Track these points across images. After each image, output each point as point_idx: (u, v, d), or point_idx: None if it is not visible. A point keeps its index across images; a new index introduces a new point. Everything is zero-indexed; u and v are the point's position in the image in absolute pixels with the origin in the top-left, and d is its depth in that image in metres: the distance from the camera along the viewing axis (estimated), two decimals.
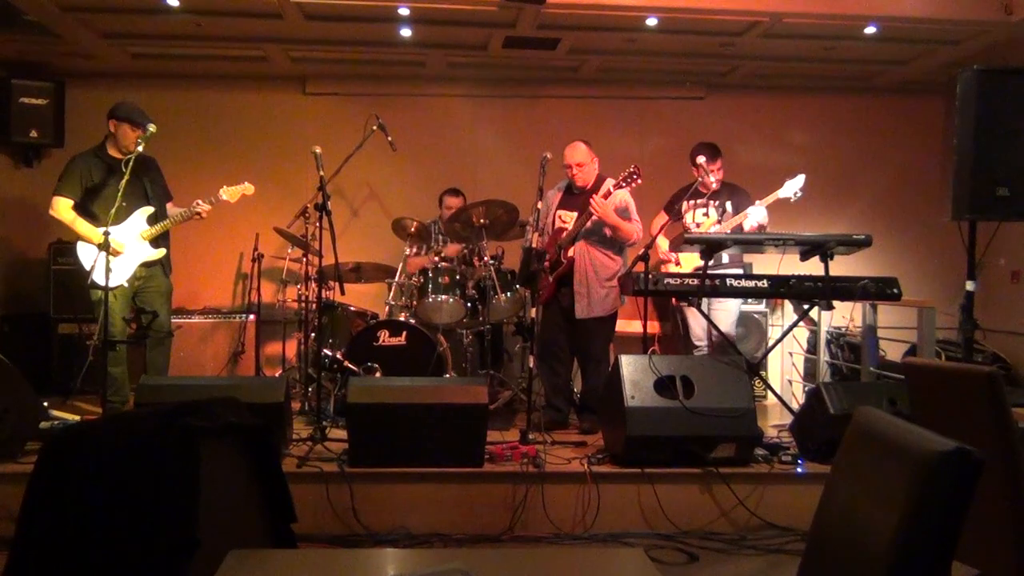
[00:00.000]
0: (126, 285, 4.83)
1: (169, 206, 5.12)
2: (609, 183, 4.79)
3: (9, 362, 4.08)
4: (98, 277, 4.53)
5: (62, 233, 6.14)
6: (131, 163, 4.44)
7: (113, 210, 4.40)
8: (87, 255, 4.77)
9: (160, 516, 1.82)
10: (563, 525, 3.91)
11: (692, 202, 5.39)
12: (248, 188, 5.08)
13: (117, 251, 4.68)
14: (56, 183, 4.87)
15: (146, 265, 4.89)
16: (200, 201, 4.93)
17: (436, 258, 5.50)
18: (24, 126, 6.28)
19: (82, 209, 4.84)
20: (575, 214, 4.97)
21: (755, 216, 5.10)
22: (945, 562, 1.39)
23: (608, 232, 4.88)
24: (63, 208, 4.80)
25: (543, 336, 4.95)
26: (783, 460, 4.18)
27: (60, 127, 6.40)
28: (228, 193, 5.01)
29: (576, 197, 5.04)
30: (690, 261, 5.33)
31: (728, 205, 5.31)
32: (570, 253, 4.93)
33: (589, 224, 4.87)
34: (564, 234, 4.98)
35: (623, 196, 4.89)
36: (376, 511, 3.86)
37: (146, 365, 4.93)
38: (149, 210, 4.90)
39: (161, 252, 4.92)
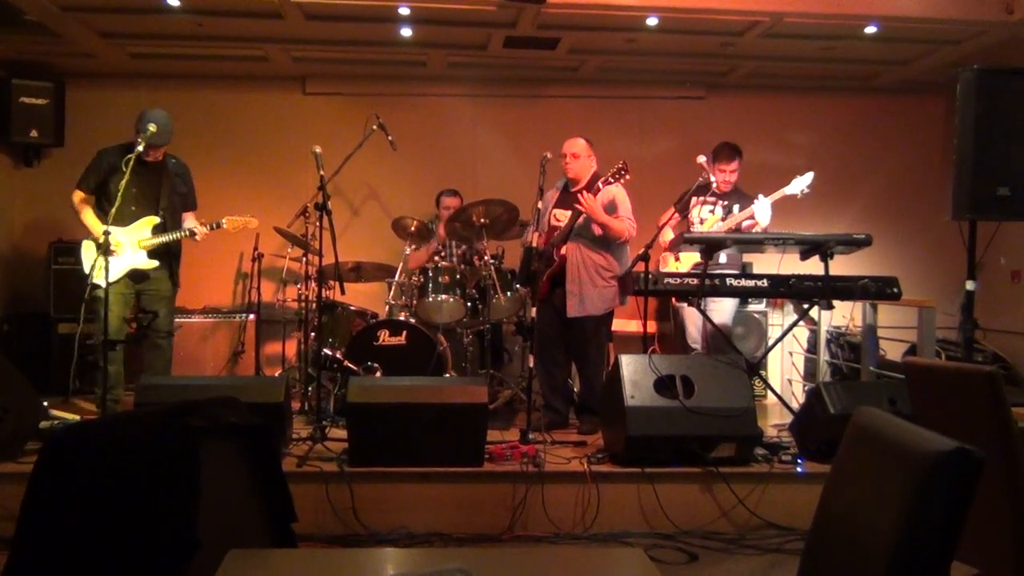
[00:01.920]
0: (128, 285, 4.86)
1: (190, 216, 5.12)
2: (599, 180, 4.79)
3: (9, 362, 4.08)
4: (87, 270, 4.70)
5: (62, 233, 6.17)
6: (131, 163, 4.45)
7: (114, 208, 4.40)
8: (87, 251, 4.86)
9: (160, 516, 1.82)
10: (563, 525, 3.91)
11: (701, 199, 5.40)
12: (252, 221, 5.11)
13: (112, 251, 4.71)
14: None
15: (134, 276, 4.89)
16: (199, 224, 4.97)
17: (436, 257, 5.52)
18: (24, 126, 6.28)
19: (97, 204, 4.90)
20: (569, 212, 4.96)
21: (759, 215, 5.09)
22: (945, 562, 1.39)
23: (597, 230, 4.87)
24: (75, 198, 4.91)
25: (538, 338, 4.94)
26: (783, 460, 4.18)
27: (60, 127, 6.41)
28: (230, 223, 5.04)
29: (571, 196, 5.02)
30: (689, 260, 5.33)
31: (735, 208, 5.31)
32: (562, 251, 4.92)
33: (581, 221, 4.86)
34: (556, 233, 4.98)
35: (612, 192, 4.87)
36: (376, 511, 3.86)
37: (144, 366, 4.94)
38: (155, 220, 4.91)
39: (153, 264, 4.90)
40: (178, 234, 4.94)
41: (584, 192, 4.76)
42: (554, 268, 4.93)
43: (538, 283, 4.90)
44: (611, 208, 4.86)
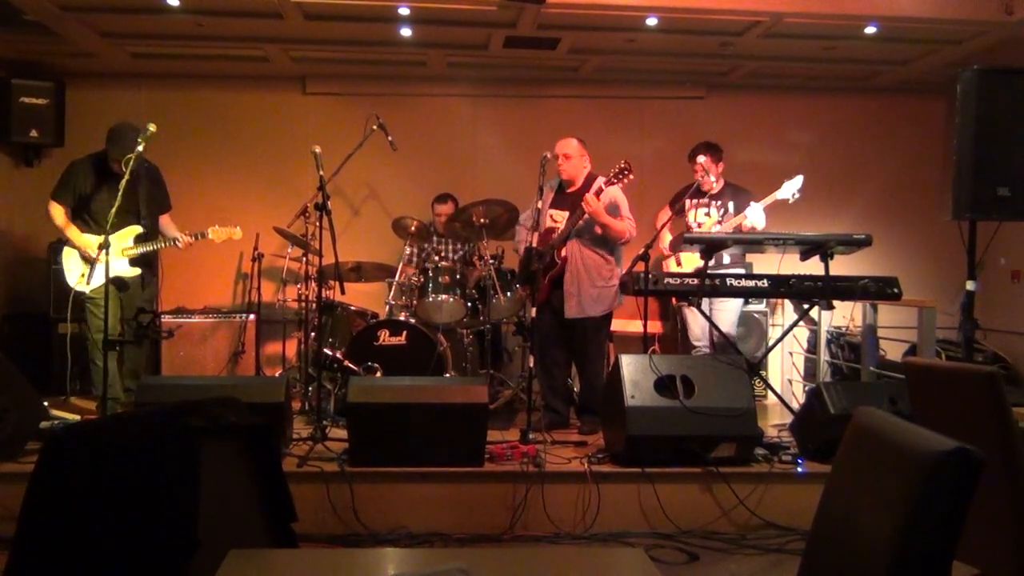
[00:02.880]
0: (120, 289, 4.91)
1: (165, 218, 5.18)
2: (600, 180, 4.78)
3: (9, 362, 4.08)
4: (71, 280, 4.86)
5: (62, 233, 6.17)
6: (131, 163, 4.45)
7: (112, 210, 4.40)
8: (69, 259, 4.95)
9: (160, 516, 1.82)
10: (563, 525, 3.91)
11: (695, 201, 5.39)
12: (236, 232, 5.17)
13: (96, 259, 4.78)
14: (54, 186, 5.00)
15: (115, 284, 4.90)
16: (184, 235, 5.03)
17: (436, 257, 5.52)
18: (24, 126, 6.28)
19: (75, 215, 4.95)
20: (566, 214, 4.95)
21: (753, 218, 5.10)
22: (945, 562, 1.39)
23: (599, 231, 4.86)
24: (56, 213, 4.96)
25: (538, 339, 4.93)
26: (783, 460, 4.18)
27: (60, 127, 6.40)
28: (215, 233, 5.10)
29: (567, 197, 5.02)
30: (690, 261, 5.33)
31: (730, 206, 5.31)
32: (563, 253, 4.91)
33: (581, 223, 4.85)
34: (555, 234, 4.97)
35: (613, 193, 4.86)
36: (376, 511, 3.86)
37: (128, 361, 5.03)
38: (137, 229, 4.99)
39: (136, 272, 4.97)
40: (162, 243, 5.01)
41: (587, 195, 4.74)
42: (556, 270, 4.92)
43: (538, 283, 4.90)
44: (613, 209, 4.85)
